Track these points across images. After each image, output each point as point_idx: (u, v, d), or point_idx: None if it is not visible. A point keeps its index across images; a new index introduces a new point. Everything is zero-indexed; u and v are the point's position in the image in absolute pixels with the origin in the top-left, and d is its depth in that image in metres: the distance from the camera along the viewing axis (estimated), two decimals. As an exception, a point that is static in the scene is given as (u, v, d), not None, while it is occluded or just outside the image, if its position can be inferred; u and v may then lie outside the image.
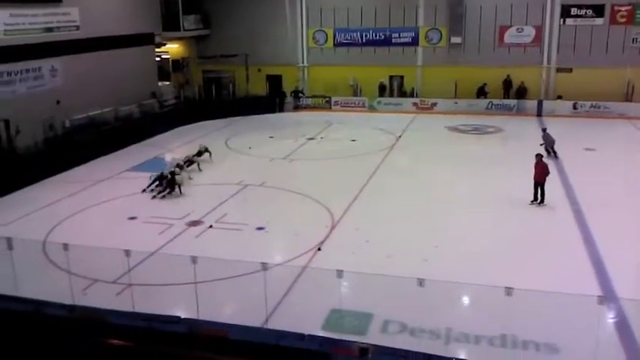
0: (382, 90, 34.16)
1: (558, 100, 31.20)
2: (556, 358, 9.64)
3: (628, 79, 30.07)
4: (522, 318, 10.46)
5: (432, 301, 10.90)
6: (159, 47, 32.62)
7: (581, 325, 10.27)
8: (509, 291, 9.31)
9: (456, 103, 32.02)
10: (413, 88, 33.82)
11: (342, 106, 33.83)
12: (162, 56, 34.34)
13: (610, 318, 10.87)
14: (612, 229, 15.07)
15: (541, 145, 21.73)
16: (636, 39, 30.19)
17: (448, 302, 11.37)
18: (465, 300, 12.08)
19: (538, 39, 31.52)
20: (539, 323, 10.48)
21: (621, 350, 9.92)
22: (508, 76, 31.89)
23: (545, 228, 15.46)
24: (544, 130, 22.94)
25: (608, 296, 11.54)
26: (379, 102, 33.51)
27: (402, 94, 34.17)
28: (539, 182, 17.04)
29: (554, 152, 22.19)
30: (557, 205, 17.03)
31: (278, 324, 10.06)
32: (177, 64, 36.24)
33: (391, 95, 34.27)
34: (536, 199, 17.07)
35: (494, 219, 16.15)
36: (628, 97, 30.34)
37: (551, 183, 17.50)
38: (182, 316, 9.32)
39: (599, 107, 30.12)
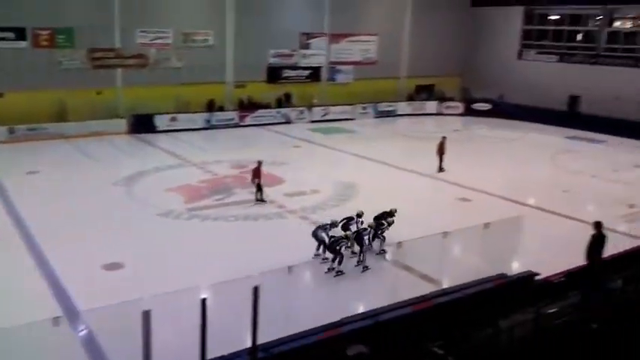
0: None
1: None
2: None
3: (60, 99, 31.05)
4: None
5: None
6: None
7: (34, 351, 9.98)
8: None
9: None
10: None
11: None
12: None
13: (80, 331, 11.10)
14: (65, 248, 15.36)
15: None
16: (61, 61, 31.44)
17: None
18: None
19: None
20: None
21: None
22: None
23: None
24: None
25: (70, 313, 11.80)
26: None
27: None
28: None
29: None
30: (5, 236, 16.29)
31: None
32: None
33: None
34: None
35: None
36: (63, 117, 31.42)
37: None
38: None
39: (36, 129, 30.16)
